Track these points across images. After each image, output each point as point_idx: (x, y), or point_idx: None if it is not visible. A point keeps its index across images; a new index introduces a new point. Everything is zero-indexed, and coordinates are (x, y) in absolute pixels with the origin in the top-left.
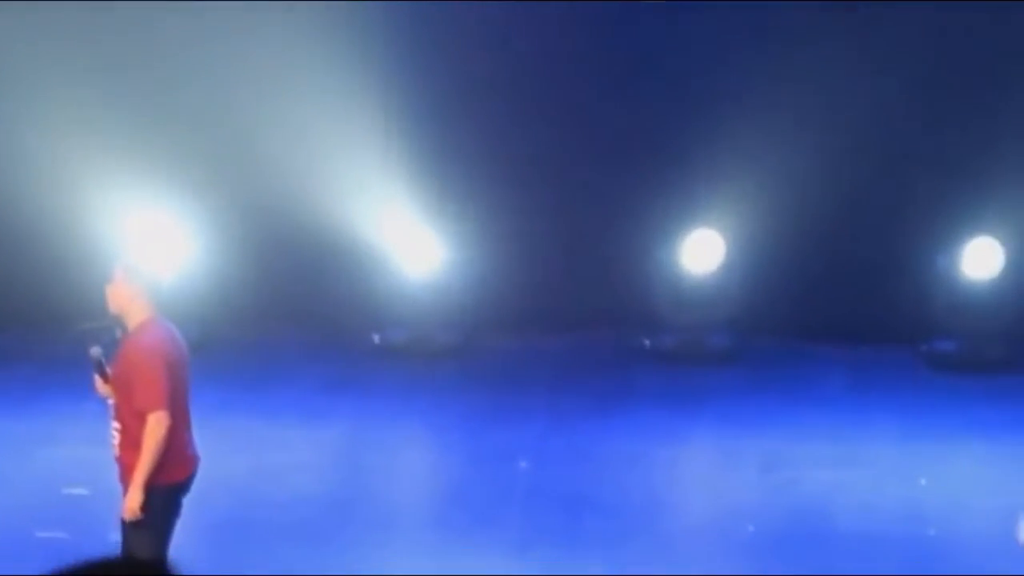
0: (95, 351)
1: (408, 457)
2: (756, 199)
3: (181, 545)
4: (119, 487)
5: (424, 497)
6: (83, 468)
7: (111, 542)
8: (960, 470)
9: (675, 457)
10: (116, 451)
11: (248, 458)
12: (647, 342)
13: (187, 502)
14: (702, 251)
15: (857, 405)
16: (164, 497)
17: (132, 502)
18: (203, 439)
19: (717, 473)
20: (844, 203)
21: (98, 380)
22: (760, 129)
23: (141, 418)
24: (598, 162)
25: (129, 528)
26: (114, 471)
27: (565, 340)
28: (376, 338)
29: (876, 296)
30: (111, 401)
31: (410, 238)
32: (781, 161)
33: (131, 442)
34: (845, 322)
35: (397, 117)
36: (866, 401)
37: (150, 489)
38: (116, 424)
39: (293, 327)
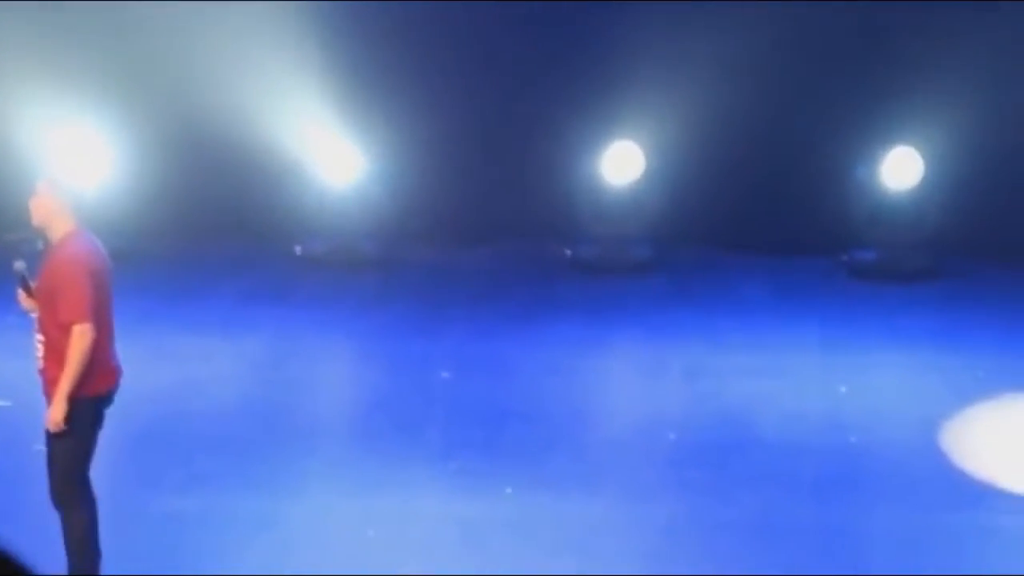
0: (19, 265)
1: (329, 368)
2: (676, 110)
3: (103, 457)
4: (43, 400)
5: (346, 407)
6: (4, 381)
7: (35, 453)
8: (880, 379)
9: (596, 367)
10: (40, 363)
11: (170, 370)
12: (568, 252)
13: (109, 414)
14: (622, 162)
15: (778, 314)
16: (87, 409)
17: (56, 414)
18: (125, 351)
19: (638, 383)
20: (765, 113)
21: (21, 294)
22: (681, 39)
23: (65, 330)
24: (520, 72)
25: (53, 440)
26: (37, 384)
27: (486, 251)
28: (297, 249)
29: (796, 206)
30: (35, 314)
31: (331, 148)
32: (701, 71)
33: (55, 355)
34: (766, 232)
35: (318, 26)
36: (787, 310)
37: (73, 401)
38: (40, 337)
39: (215, 238)
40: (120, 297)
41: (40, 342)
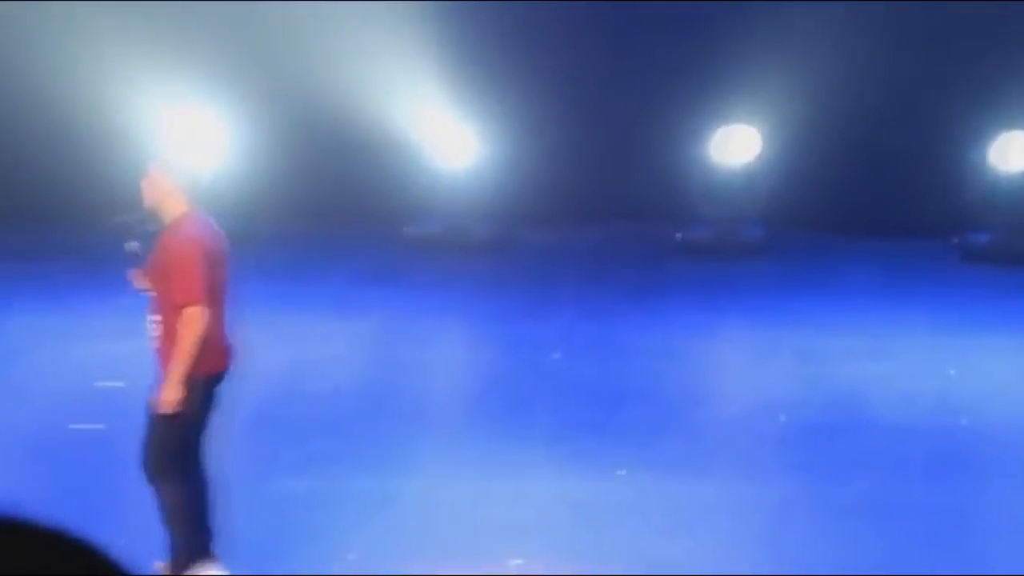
0: (132, 245)
1: (442, 349)
2: (791, 92)
3: (216, 438)
4: (154, 379)
5: (459, 388)
6: (117, 362)
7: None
8: (991, 361)
9: (707, 349)
10: (156, 343)
11: (284, 351)
12: (679, 235)
13: (225, 395)
14: (736, 144)
15: (889, 298)
16: (197, 387)
17: (169, 394)
18: (238, 332)
19: (749, 365)
20: (878, 96)
21: (136, 273)
22: (796, 22)
23: (179, 311)
24: (634, 54)
25: (159, 420)
26: (150, 363)
27: (598, 232)
28: (411, 231)
29: (909, 188)
30: (150, 294)
31: (444, 130)
32: (816, 54)
33: (169, 334)
34: (878, 215)
35: (432, 7)
36: (898, 294)
37: (187, 380)
38: (155, 316)
39: (329, 220)
40: (234, 278)
41: (155, 322)
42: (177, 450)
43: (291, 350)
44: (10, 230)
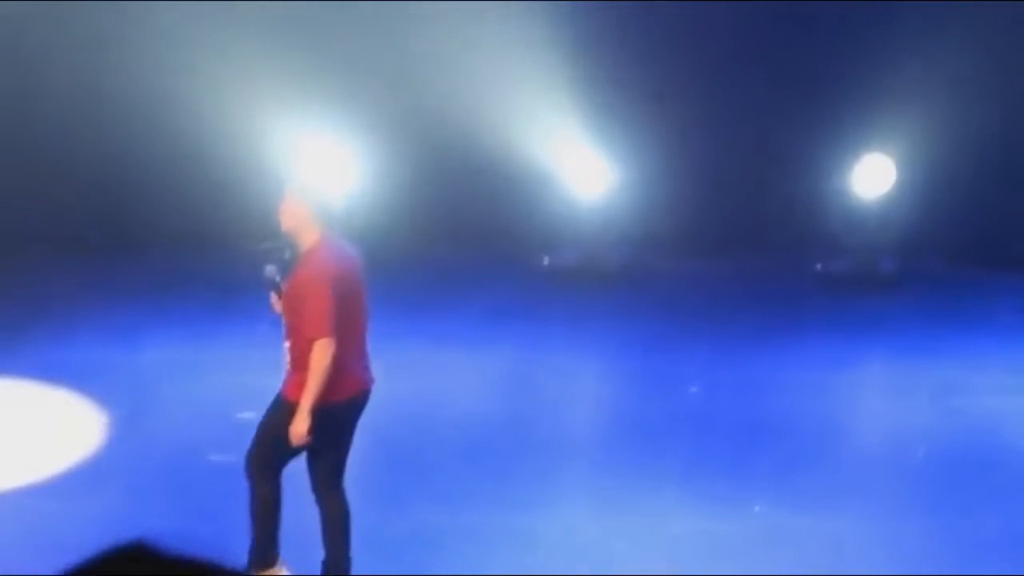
0: (269, 270)
1: (577, 382)
2: (928, 123)
3: (355, 470)
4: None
5: (594, 422)
6: (255, 394)
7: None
8: None
9: (845, 383)
10: (288, 365)
11: (418, 383)
12: (819, 266)
13: (359, 427)
14: (874, 175)
15: None
16: (330, 416)
17: (299, 426)
18: (373, 364)
19: (888, 399)
20: (1017, 126)
21: (274, 298)
22: (932, 52)
23: (309, 341)
24: (770, 82)
25: (280, 439)
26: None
27: (735, 263)
28: (545, 260)
29: None
30: (284, 320)
31: (579, 159)
32: (954, 84)
33: (300, 362)
34: (1018, 247)
35: (568, 35)
36: None
37: (317, 410)
38: (288, 343)
39: (463, 249)
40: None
41: (288, 348)
42: (284, 459)
43: (424, 382)
44: (148, 258)
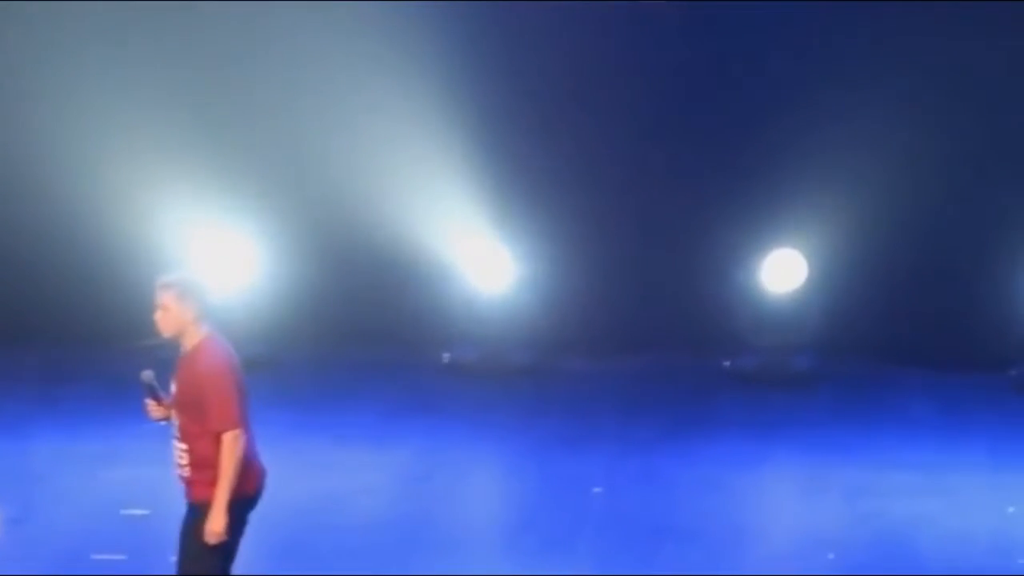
0: (147, 374)
1: (478, 481)
2: (838, 217)
3: (244, 569)
4: (180, 507)
5: (495, 522)
6: (143, 488)
7: (169, 564)
8: None
9: (754, 483)
10: (184, 471)
11: (314, 481)
12: (727, 363)
13: (252, 525)
14: (783, 270)
15: (944, 431)
16: (236, 512)
17: (216, 524)
18: (269, 461)
19: (798, 501)
20: (928, 220)
21: (150, 404)
22: (842, 145)
23: (212, 438)
24: (675, 179)
25: (196, 547)
26: (175, 491)
27: (641, 361)
28: (446, 357)
29: (962, 318)
30: (175, 422)
31: (481, 253)
32: (863, 178)
33: (199, 462)
34: (931, 345)
35: (467, 130)
36: (953, 427)
37: (232, 504)
38: (182, 445)
39: (360, 345)
40: (262, 406)
41: (183, 450)
42: (225, 568)
43: (322, 481)
44: (30, 351)
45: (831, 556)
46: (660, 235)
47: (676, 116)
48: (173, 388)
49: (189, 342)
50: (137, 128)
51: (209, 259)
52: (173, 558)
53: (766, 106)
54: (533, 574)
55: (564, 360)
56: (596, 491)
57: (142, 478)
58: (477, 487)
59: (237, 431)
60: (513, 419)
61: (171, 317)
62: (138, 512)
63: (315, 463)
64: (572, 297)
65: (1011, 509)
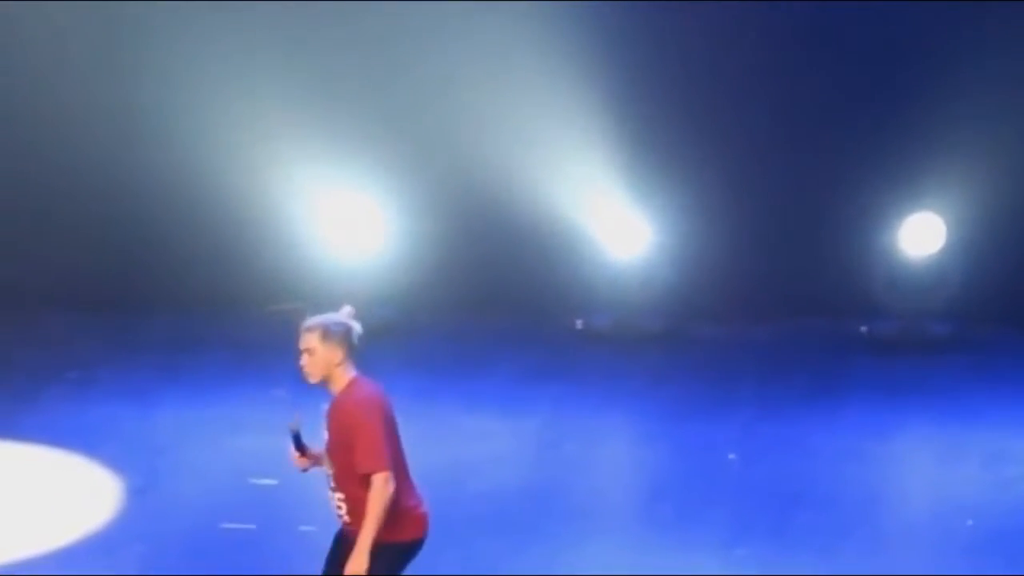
0: (293, 424)
1: (611, 448)
2: (978, 180)
3: None
4: (309, 477)
5: (627, 490)
6: (272, 458)
7: (298, 534)
8: None
9: (892, 451)
10: (345, 519)
11: (447, 449)
12: (864, 329)
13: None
14: (922, 234)
15: None
16: (387, 559)
17: (357, 567)
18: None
19: (936, 467)
20: None
21: (294, 453)
22: (983, 107)
23: (365, 482)
24: (812, 143)
25: None
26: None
27: (776, 327)
28: (579, 323)
29: None
30: (329, 471)
31: (615, 219)
32: (1004, 140)
33: (358, 508)
34: None
35: (603, 95)
36: None
37: (379, 547)
38: (338, 494)
39: (493, 311)
40: (395, 373)
41: (341, 499)
42: None
43: (453, 449)
44: (155, 319)
45: (970, 523)
46: (796, 199)
47: (813, 80)
48: (324, 435)
49: (337, 385)
50: (266, 93)
51: (336, 224)
52: (303, 528)
53: (906, 67)
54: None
55: (698, 326)
56: (730, 457)
57: (269, 447)
58: (609, 455)
59: (385, 474)
60: (646, 386)
61: (317, 360)
62: (267, 482)
63: (445, 430)
64: (706, 263)
65: None
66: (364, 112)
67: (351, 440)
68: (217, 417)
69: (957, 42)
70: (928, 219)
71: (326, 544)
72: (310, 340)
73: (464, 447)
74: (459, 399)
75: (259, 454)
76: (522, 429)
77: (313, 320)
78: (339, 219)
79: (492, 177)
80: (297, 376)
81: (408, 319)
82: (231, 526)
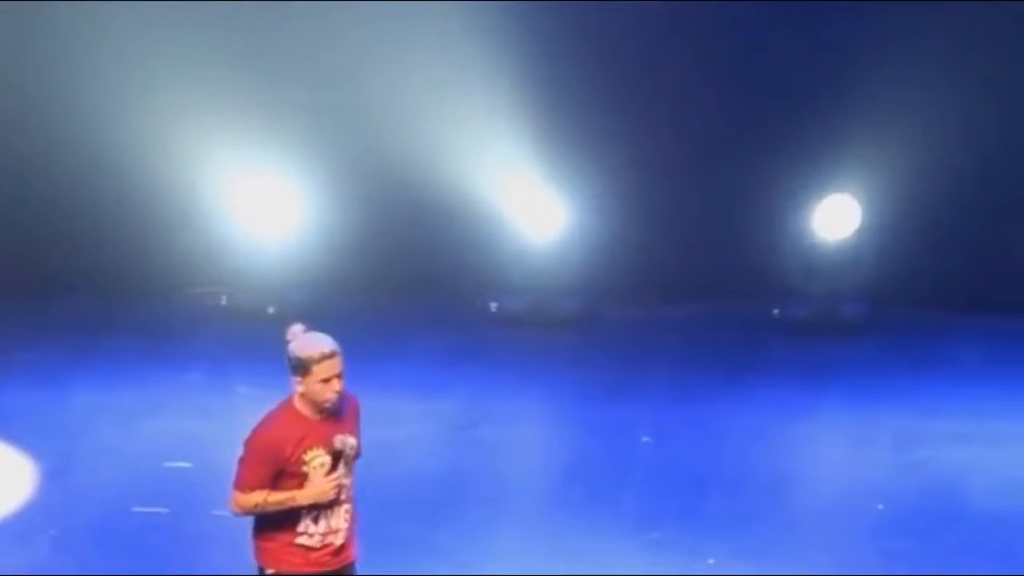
0: (341, 439)
1: (525, 431)
2: (893, 163)
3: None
4: (221, 459)
5: (541, 472)
6: (185, 441)
7: (211, 517)
8: None
9: (804, 433)
10: (348, 535)
11: (361, 432)
12: (776, 312)
13: None
14: (836, 217)
15: (995, 379)
16: None
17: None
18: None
19: (847, 450)
20: (985, 167)
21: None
22: (898, 88)
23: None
24: (727, 127)
25: None
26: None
27: (690, 310)
28: (494, 306)
29: (1015, 264)
30: (346, 480)
31: (530, 203)
32: (919, 122)
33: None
34: (983, 291)
35: (516, 79)
36: (1004, 374)
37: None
38: (347, 505)
39: (408, 294)
40: None
41: (347, 512)
42: None
43: (369, 432)
44: (67, 303)
45: (881, 506)
46: (710, 182)
47: (728, 62)
48: (350, 442)
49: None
50: (179, 79)
51: (253, 208)
52: (216, 512)
53: (821, 51)
54: (550, 575)
55: (612, 309)
56: (644, 440)
57: (181, 430)
58: (523, 437)
59: None
60: (561, 368)
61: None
62: (180, 465)
63: (364, 411)
64: (620, 246)
65: None
66: (279, 97)
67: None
68: (131, 401)
69: (869, 27)
70: (842, 201)
71: (239, 527)
72: (342, 363)
73: (379, 431)
74: (373, 382)
75: (172, 437)
76: (438, 412)
77: (331, 341)
78: (255, 204)
79: (407, 161)
80: (211, 361)
81: (323, 302)
82: (144, 509)
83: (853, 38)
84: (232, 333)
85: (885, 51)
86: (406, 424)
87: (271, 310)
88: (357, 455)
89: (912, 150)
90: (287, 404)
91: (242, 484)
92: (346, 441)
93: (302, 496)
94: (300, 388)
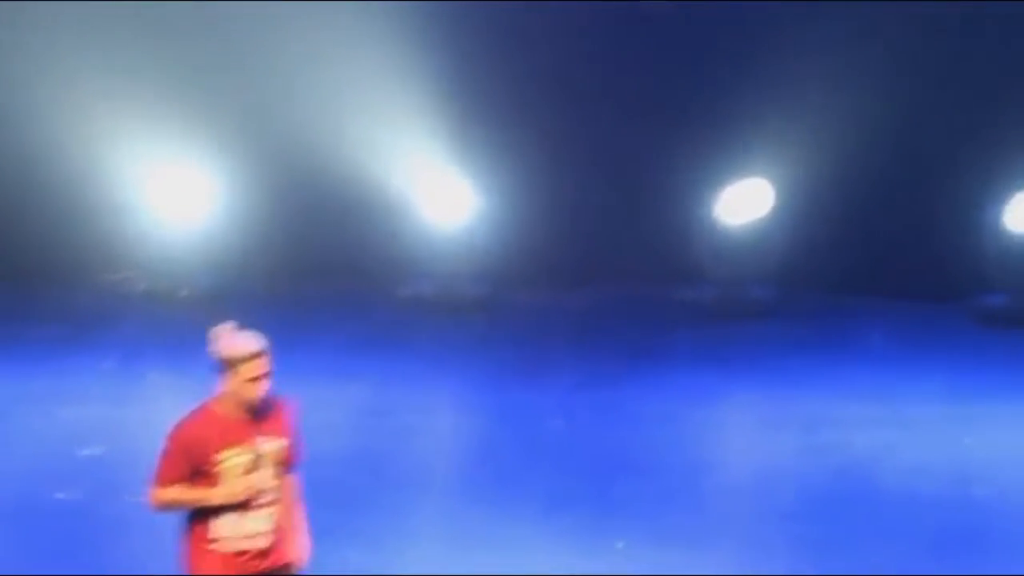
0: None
1: (436, 416)
2: (801, 147)
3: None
4: (135, 445)
5: (453, 457)
6: (100, 427)
7: (124, 503)
8: (1007, 430)
9: (712, 417)
10: (273, 537)
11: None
12: (685, 295)
13: None
14: (745, 201)
15: (903, 362)
16: None
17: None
18: None
19: (756, 433)
20: (893, 153)
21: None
22: (810, 73)
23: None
24: (635, 110)
25: None
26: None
27: (599, 294)
28: (403, 292)
29: (924, 249)
30: (269, 485)
31: (438, 187)
32: (828, 108)
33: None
34: (892, 275)
35: (425, 65)
36: (912, 358)
37: None
38: (271, 509)
39: (318, 279)
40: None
41: (270, 515)
42: None
43: None
44: None
45: (791, 489)
46: (617, 167)
47: (634, 48)
48: (274, 445)
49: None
50: (95, 67)
51: (165, 194)
52: (129, 497)
53: (730, 36)
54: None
55: (520, 293)
56: (552, 424)
57: (97, 416)
58: (434, 421)
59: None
60: (469, 353)
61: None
62: (94, 451)
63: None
64: (528, 230)
65: (968, 440)
66: (191, 85)
67: (297, 439)
68: (45, 388)
69: (784, 9)
70: (753, 185)
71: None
72: (269, 362)
73: None
74: (285, 368)
75: (87, 424)
76: (347, 398)
77: (259, 340)
78: (167, 190)
79: (317, 146)
80: (126, 347)
81: (232, 287)
82: (58, 495)
83: (768, 21)
84: (146, 319)
85: (798, 35)
86: (316, 410)
87: (184, 293)
88: (291, 460)
89: (825, 134)
90: (210, 402)
91: (159, 479)
92: (268, 443)
93: (215, 496)
94: (225, 386)
